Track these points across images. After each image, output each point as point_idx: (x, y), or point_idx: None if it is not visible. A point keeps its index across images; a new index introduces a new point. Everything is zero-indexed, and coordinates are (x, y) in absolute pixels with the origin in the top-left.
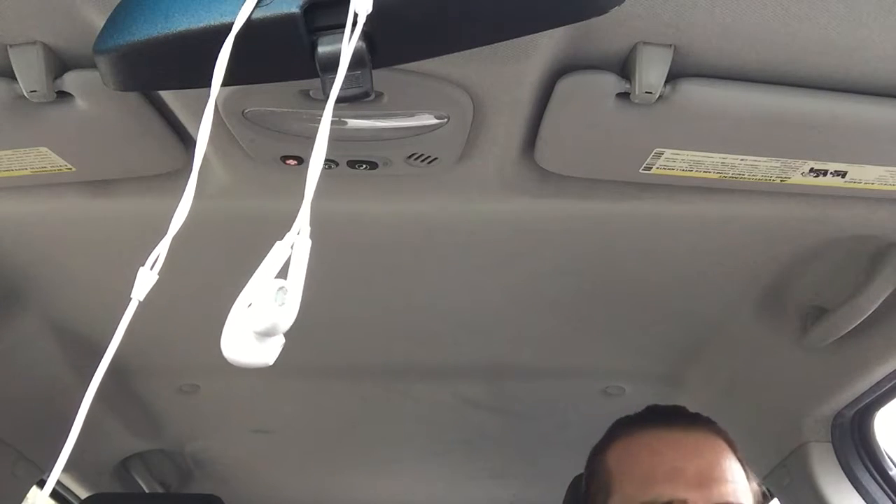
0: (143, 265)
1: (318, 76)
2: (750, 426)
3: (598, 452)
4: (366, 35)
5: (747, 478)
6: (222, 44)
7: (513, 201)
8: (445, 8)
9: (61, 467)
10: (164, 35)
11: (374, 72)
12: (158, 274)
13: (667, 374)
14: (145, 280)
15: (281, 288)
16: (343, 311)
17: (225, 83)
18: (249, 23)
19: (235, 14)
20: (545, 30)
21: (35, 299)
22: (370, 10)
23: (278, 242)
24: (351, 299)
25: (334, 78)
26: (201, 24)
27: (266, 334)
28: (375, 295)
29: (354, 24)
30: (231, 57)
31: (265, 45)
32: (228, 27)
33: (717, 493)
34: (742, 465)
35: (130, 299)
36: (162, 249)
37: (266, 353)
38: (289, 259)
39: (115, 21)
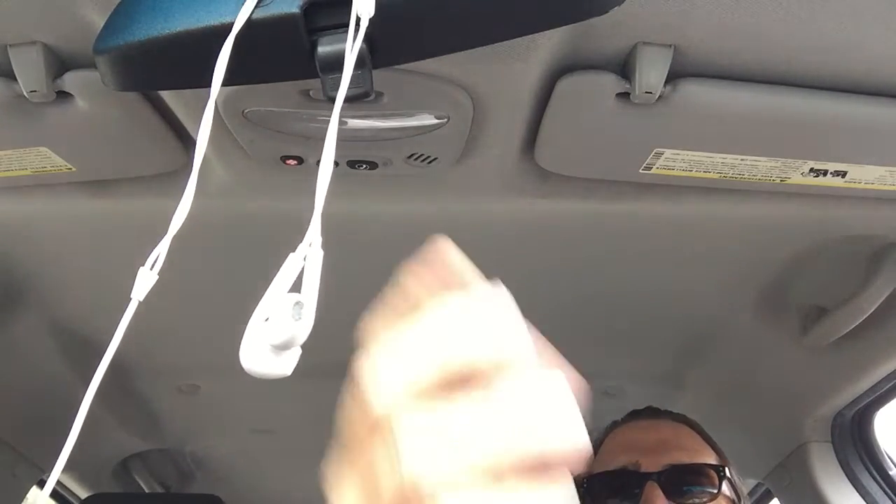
0: (143, 265)
1: (318, 76)
2: (750, 426)
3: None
4: (366, 35)
5: (719, 457)
6: (222, 44)
7: (513, 201)
8: (445, 8)
9: (61, 467)
10: (163, 35)
11: (374, 72)
12: (158, 274)
13: (667, 374)
14: (145, 280)
15: (297, 303)
16: (343, 310)
17: (225, 83)
18: (249, 23)
19: (235, 14)
20: (545, 30)
21: (35, 299)
22: (372, 12)
23: (291, 255)
24: (351, 299)
25: (335, 78)
26: (201, 24)
27: (284, 348)
28: (375, 295)
29: (357, 25)
30: (231, 57)
31: (265, 46)
32: (228, 27)
33: (667, 456)
34: (710, 445)
35: (130, 299)
36: (162, 249)
37: (284, 365)
38: (302, 270)
39: (115, 21)
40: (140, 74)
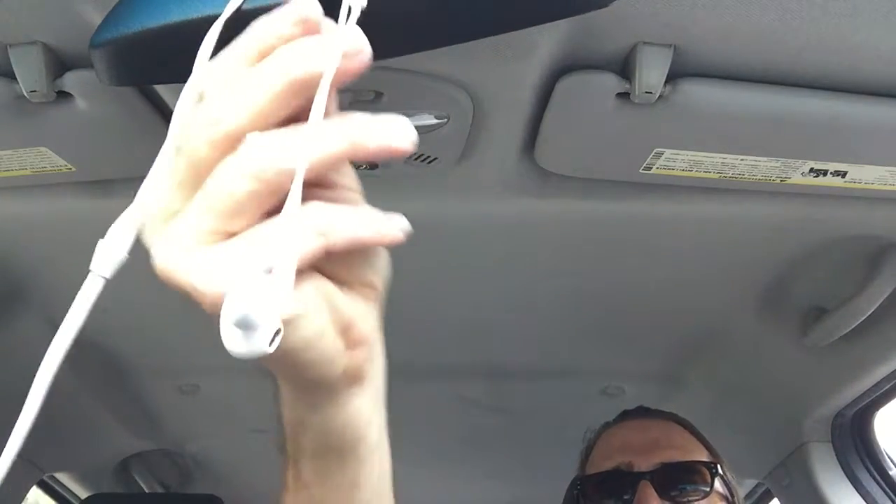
0: (142, 265)
1: None
2: (750, 426)
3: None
4: (358, 27)
5: (711, 454)
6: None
7: (513, 201)
8: (441, 0)
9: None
10: (157, 27)
11: (373, 72)
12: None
13: (667, 374)
14: (106, 253)
15: (267, 272)
16: None
17: None
18: (239, 14)
19: (225, 5)
20: (545, 22)
21: (35, 299)
22: (364, 3)
23: (263, 224)
24: None
25: None
26: (191, 16)
27: (242, 326)
28: None
29: (348, 17)
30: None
31: None
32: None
33: (659, 455)
34: (702, 443)
35: (129, 299)
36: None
37: (257, 343)
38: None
39: (111, 17)
40: (134, 68)
